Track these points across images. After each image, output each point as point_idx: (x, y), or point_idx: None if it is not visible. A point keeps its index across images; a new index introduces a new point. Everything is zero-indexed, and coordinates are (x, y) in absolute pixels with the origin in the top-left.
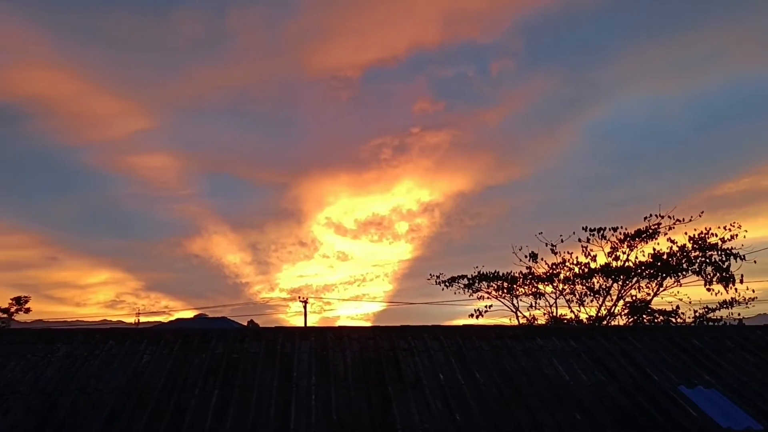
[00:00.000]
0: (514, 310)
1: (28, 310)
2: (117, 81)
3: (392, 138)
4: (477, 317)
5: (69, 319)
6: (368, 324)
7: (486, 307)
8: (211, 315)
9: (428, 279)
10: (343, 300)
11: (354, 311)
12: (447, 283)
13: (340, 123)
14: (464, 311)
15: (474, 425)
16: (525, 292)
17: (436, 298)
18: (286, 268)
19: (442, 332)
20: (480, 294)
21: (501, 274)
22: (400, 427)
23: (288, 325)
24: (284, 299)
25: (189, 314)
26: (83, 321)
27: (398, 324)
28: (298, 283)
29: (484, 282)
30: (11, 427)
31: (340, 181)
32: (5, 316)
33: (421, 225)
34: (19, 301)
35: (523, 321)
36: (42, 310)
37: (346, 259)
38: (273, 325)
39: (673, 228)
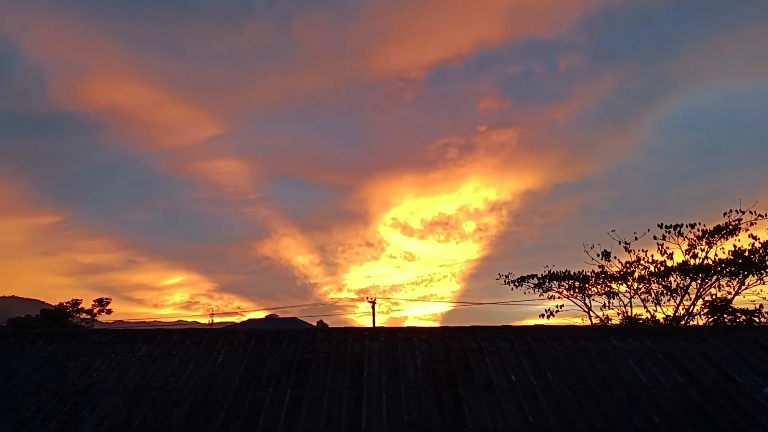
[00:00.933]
0: (587, 309)
1: (109, 312)
2: (190, 90)
3: (458, 137)
4: (548, 317)
5: (147, 320)
6: (436, 324)
7: (557, 307)
8: (281, 315)
9: (497, 279)
10: (411, 300)
11: (422, 311)
12: (516, 283)
13: (406, 124)
14: (534, 311)
15: (547, 427)
16: (597, 291)
17: (505, 298)
18: (353, 269)
19: (513, 333)
20: (551, 294)
21: (572, 273)
22: (472, 427)
23: (356, 325)
24: (352, 300)
25: (260, 315)
26: (160, 322)
27: (467, 324)
28: (365, 283)
29: (554, 281)
30: (99, 422)
31: (406, 182)
32: (89, 317)
33: (489, 224)
34: (102, 303)
35: (596, 321)
36: (122, 311)
37: (413, 259)
38: (341, 326)
39: (755, 223)
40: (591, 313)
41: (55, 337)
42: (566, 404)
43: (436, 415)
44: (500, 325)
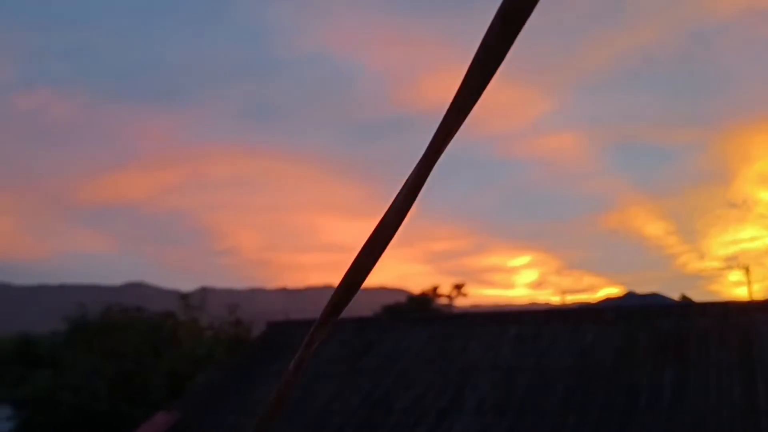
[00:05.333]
0: None
1: (465, 295)
2: (516, 70)
3: None
4: None
5: (500, 302)
6: None
7: None
8: (638, 291)
9: None
10: None
11: None
12: None
13: (764, 62)
14: None
15: None
16: None
17: None
18: (714, 235)
19: None
20: None
21: None
22: None
23: (725, 297)
24: (717, 268)
25: (615, 291)
26: (513, 303)
27: None
28: (731, 249)
29: None
30: (482, 399)
31: None
32: (448, 301)
33: None
34: (458, 287)
35: None
36: (477, 294)
37: None
38: (707, 299)
39: None
40: None
41: (432, 321)
42: None
43: None
44: None
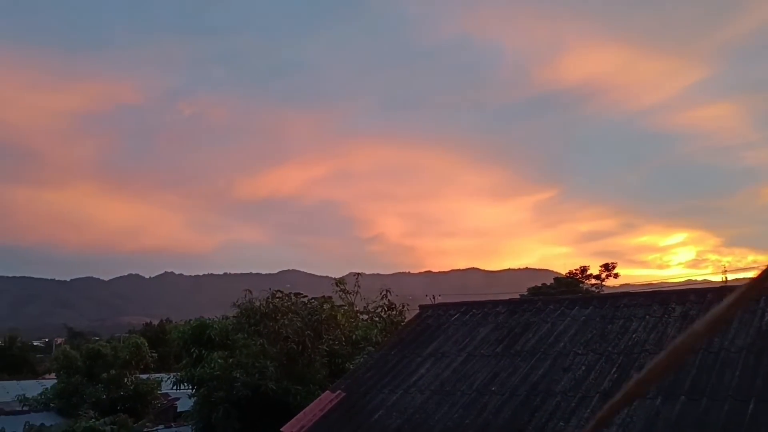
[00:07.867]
0: None
1: (616, 276)
2: (662, 39)
3: None
4: None
5: (653, 282)
6: None
7: None
8: None
9: None
10: None
11: None
12: None
13: None
14: None
15: None
16: None
17: None
18: None
19: None
20: None
21: None
22: None
23: None
24: None
25: None
26: (667, 283)
27: None
28: None
29: None
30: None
31: None
32: (597, 282)
33: None
34: (608, 268)
35: None
36: (627, 275)
37: None
38: None
39: None
40: None
41: (589, 301)
42: None
43: None
44: None
